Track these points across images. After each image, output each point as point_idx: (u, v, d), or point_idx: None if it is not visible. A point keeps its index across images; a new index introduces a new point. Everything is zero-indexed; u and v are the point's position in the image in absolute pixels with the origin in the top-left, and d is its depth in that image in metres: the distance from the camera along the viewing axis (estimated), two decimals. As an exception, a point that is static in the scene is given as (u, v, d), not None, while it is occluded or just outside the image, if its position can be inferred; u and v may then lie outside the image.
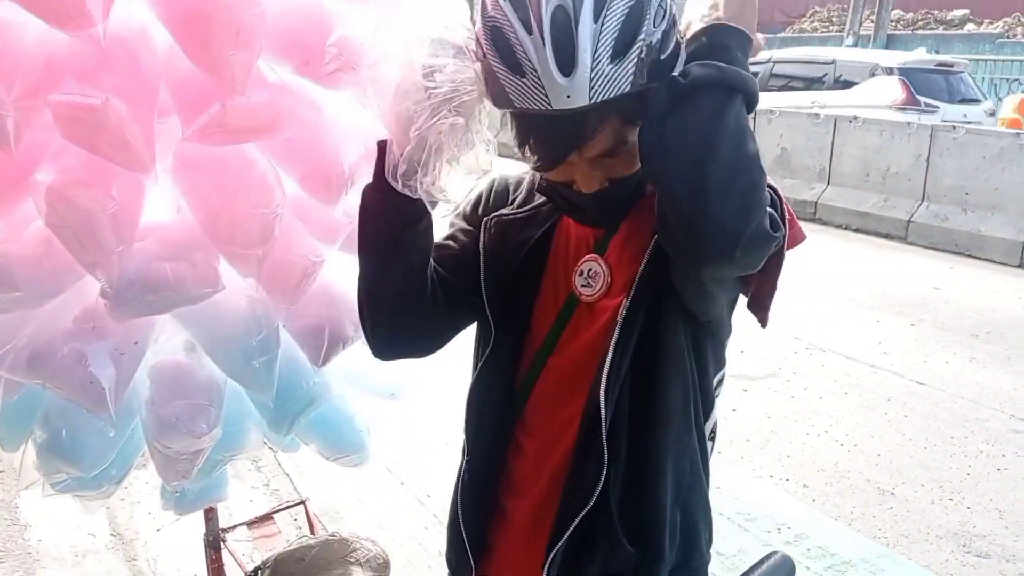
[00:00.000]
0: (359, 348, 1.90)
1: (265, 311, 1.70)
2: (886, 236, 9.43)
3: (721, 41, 1.15)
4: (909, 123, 10.10)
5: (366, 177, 1.63)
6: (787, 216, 1.25)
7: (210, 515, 2.10)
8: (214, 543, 2.13)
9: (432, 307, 1.32)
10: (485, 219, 1.41)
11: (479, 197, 1.47)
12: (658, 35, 1.14)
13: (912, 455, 4.49)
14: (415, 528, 3.68)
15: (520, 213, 1.41)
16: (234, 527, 2.34)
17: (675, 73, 1.15)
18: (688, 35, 1.20)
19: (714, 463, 1.46)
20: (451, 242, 1.41)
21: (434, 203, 1.27)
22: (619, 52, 1.10)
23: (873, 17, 19.18)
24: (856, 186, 10.17)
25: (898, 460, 4.43)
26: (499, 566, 1.42)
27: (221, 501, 2.04)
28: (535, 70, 1.10)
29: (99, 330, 1.61)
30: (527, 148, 1.21)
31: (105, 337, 1.61)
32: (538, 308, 1.36)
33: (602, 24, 1.09)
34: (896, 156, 9.84)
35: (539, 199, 1.41)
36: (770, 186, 1.18)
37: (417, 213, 1.27)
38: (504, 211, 1.42)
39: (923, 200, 9.60)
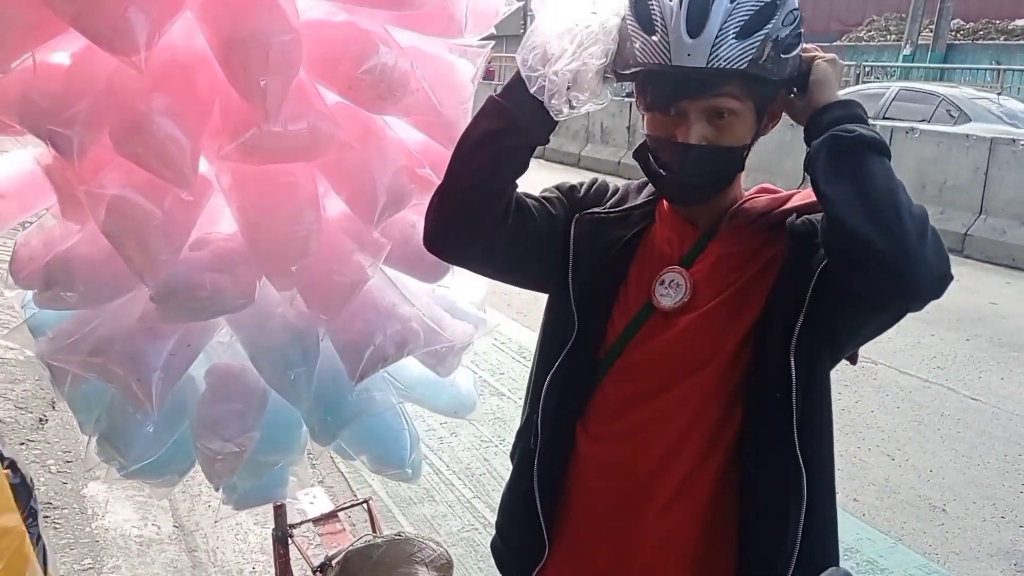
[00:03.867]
0: (422, 369, 1.98)
1: (307, 324, 1.77)
2: (942, 249, 9.31)
3: (860, 114, 1.27)
4: (967, 136, 9.97)
5: (411, 199, 1.71)
6: None
7: (279, 511, 2.19)
8: (282, 538, 2.21)
9: (500, 226, 1.38)
10: (577, 215, 1.48)
11: (581, 184, 1.55)
12: (785, 33, 1.26)
13: (964, 472, 4.46)
14: (466, 529, 3.76)
15: (612, 212, 1.48)
16: (301, 523, 2.43)
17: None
18: (819, 96, 1.30)
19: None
20: (547, 203, 1.49)
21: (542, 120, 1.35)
22: (744, 33, 1.23)
23: (932, 26, 18.85)
24: (913, 198, 10.01)
25: (950, 476, 4.41)
26: (575, 544, 1.48)
27: (278, 501, 2.12)
28: (665, 28, 1.24)
29: (154, 331, 1.71)
30: (645, 95, 1.33)
31: (159, 338, 1.71)
32: (617, 308, 1.42)
33: (736, 5, 1.23)
34: (953, 169, 9.72)
35: (632, 203, 1.48)
36: None
37: (523, 129, 1.35)
38: (596, 209, 1.49)
39: (980, 213, 9.47)
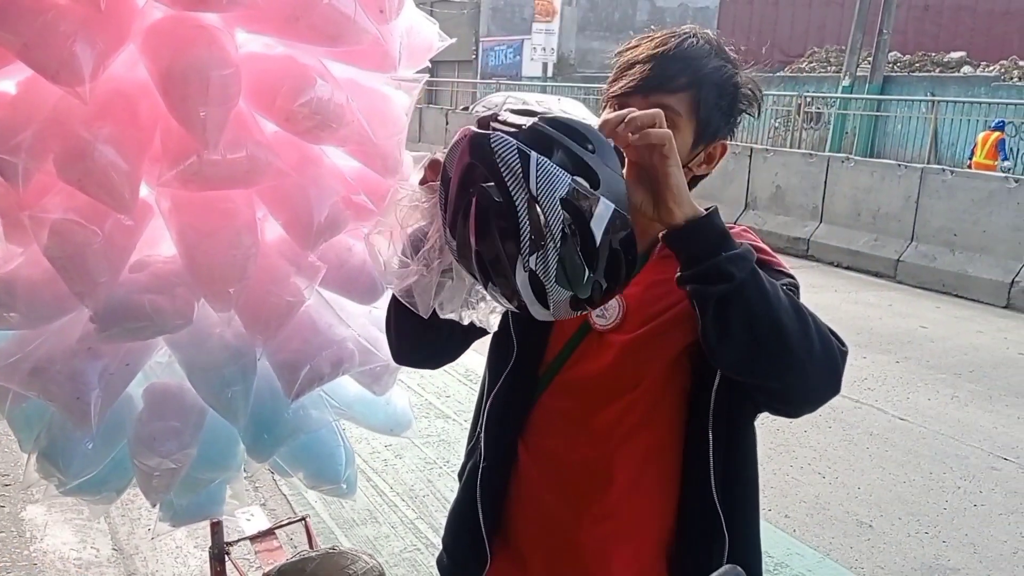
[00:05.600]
0: (359, 387, 2.04)
1: (244, 343, 1.83)
2: (876, 274, 9.60)
3: (721, 228, 1.22)
4: (900, 164, 10.34)
5: (347, 225, 1.77)
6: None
7: (216, 529, 2.22)
8: (218, 555, 2.25)
9: (449, 338, 1.44)
10: None
11: None
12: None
13: (891, 489, 4.62)
14: (408, 549, 3.80)
15: None
16: (237, 541, 2.46)
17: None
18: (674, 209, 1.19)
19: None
20: None
21: None
22: (578, 301, 1.14)
23: (870, 59, 19.41)
24: (848, 225, 10.35)
25: (877, 493, 4.56)
26: (512, 554, 1.54)
27: (215, 518, 2.16)
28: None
29: (93, 350, 1.75)
30: None
31: (98, 357, 1.76)
32: (555, 330, 1.49)
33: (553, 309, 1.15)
34: (886, 197, 10.06)
35: None
36: (789, 275, 1.36)
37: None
38: None
39: (912, 240, 9.80)
